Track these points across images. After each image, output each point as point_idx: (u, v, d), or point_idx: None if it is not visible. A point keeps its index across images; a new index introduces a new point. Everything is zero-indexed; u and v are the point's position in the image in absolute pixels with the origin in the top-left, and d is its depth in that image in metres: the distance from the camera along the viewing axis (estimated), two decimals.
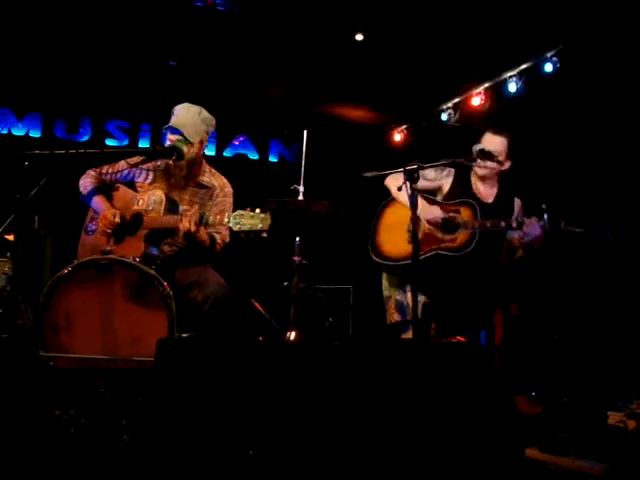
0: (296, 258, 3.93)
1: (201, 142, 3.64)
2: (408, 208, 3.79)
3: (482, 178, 3.82)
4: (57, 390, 2.72)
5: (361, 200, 4.34)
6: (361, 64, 5.88)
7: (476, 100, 5.97)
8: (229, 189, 3.80)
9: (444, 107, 6.47)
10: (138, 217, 3.45)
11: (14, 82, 6.14)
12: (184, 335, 3.22)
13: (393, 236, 3.79)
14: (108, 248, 3.36)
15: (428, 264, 3.56)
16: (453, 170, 3.86)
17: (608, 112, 4.74)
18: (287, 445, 2.08)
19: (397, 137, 7.25)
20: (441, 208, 3.72)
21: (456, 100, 6.33)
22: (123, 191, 3.67)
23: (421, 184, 3.83)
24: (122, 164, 3.66)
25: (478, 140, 3.84)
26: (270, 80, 6.44)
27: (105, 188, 3.70)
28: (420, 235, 3.73)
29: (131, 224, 3.45)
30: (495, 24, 5.02)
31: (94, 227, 3.59)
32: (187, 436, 2.05)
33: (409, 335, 3.67)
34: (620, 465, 2.47)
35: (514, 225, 3.55)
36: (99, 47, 5.75)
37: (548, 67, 5.20)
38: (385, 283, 3.89)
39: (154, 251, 3.44)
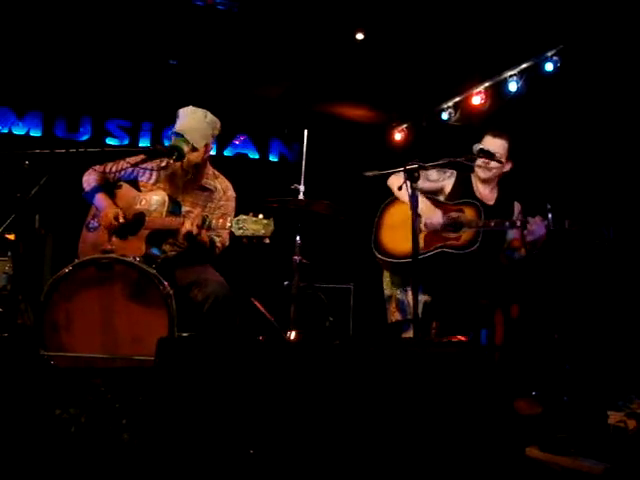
0: (296, 257, 3.93)
1: (206, 146, 3.64)
2: (409, 207, 3.81)
3: (483, 181, 3.84)
4: (57, 389, 2.72)
5: (362, 199, 4.34)
6: (361, 63, 5.88)
7: (476, 99, 5.97)
8: (232, 193, 3.80)
9: (444, 106, 6.47)
10: (140, 217, 3.45)
11: (14, 81, 6.14)
12: (184, 334, 3.22)
13: (396, 234, 3.80)
14: (109, 247, 3.36)
15: (433, 262, 3.58)
16: (455, 171, 3.87)
17: (609, 111, 4.73)
18: (287, 444, 2.08)
19: (398, 136, 7.24)
20: (445, 208, 3.74)
21: (457, 99, 6.33)
22: (126, 190, 3.66)
23: (424, 185, 3.86)
24: (125, 163, 3.66)
25: (479, 141, 3.85)
26: (270, 79, 6.44)
27: (108, 186, 3.69)
28: (425, 232, 3.75)
29: (133, 223, 3.45)
30: (496, 23, 5.02)
31: (96, 224, 3.59)
32: (187, 435, 2.05)
33: (410, 334, 3.68)
34: (620, 465, 2.47)
35: (518, 224, 3.57)
36: (99, 46, 5.75)
37: (549, 66, 5.20)
38: (386, 282, 3.90)
39: (155, 251, 3.44)
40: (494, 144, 3.77)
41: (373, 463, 2.09)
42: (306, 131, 4.14)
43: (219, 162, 4.00)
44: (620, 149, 4.71)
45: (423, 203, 3.81)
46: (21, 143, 6.28)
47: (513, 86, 5.57)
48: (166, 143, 6.55)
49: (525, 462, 2.58)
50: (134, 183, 3.70)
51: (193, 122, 3.56)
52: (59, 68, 6.10)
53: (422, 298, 3.53)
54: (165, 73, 6.24)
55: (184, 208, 3.58)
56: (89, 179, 3.71)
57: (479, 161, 3.76)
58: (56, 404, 2.52)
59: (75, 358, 3.11)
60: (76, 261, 3.26)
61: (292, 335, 3.79)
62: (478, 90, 5.97)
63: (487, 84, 5.90)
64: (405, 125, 7.17)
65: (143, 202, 3.51)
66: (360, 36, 5.45)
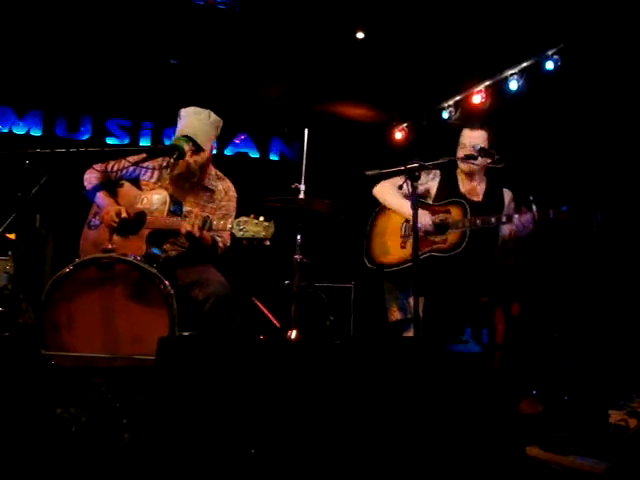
0: (297, 256, 3.93)
1: (211, 147, 3.66)
2: (398, 214, 3.84)
3: (469, 175, 3.82)
4: (58, 388, 2.72)
5: (362, 199, 4.33)
6: (362, 62, 5.88)
7: (477, 98, 5.96)
8: (233, 193, 3.80)
9: (445, 105, 6.46)
10: (141, 216, 3.45)
11: (15, 81, 6.14)
12: (185, 334, 3.22)
13: (386, 243, 3.83)
14: (110, 246, 3.36)
15: (423, 267, 3.56)
16: (438, 172, 3.87)
17: (609, 110, 4.73)
18: (288, 444, 2.08)
19: (398, 135, 7.24)
20: (431, 210, 3.73)
21: (457, 98, 6.32)
22: (128, 188, 3.66)
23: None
24: (126, 161, 3.66)
25: (457, 138, 3.85)
26: (271, 79, 6.44)
27: (110, 184, 3.69)
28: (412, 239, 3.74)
29: (134, 222, 3.45)
30: (496, 22, 5.02)
31: (97, 222, 3.59)
32: (188, 435, 2.05)
33: (410, 334, 3.68)
34: (621, 464, 2.47)
35: (504, 220, 3.55)
36: (100, 45, 5.75)
37: (549, 65, 5.20)
38: (386, 283, 3.90)
39: (156, 251, 3.44)
40: (473, 136, 3.76)
41: (374, 462, 2.09)
42: (306, 130, 4.14)
43: (220, 161, 4.00)
44: (610, 140, 4.70)
45: (409, 207, 3.81)
46: (21, 142, 6.28)
47: (514, 85, 5.57)
48: (167, 143, 6.56)
49: (526, 461, 2.58)
50: (136, 182, 3.69)
51: (198, 123, 3.56)
52: (59, 67, 6.10)
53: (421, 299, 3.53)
54: (166, 72, 6.24)
55: (185, 208, 3.58)
56: (90, 177, 3.70)
57: (461, 154, 3.75)
58: (57, 403, 2.53)
59: (76, 357, 3.11)
60: (77, 261, 3.26)
61: (293, 334, 3.79)
62: (479, 89, 5.96)
63: (487, 83, 5.90)
64: (405, 124, 7.17)
65: (144, 201, 3.50)
66: (360, 35, 5.45)
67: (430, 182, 3.88)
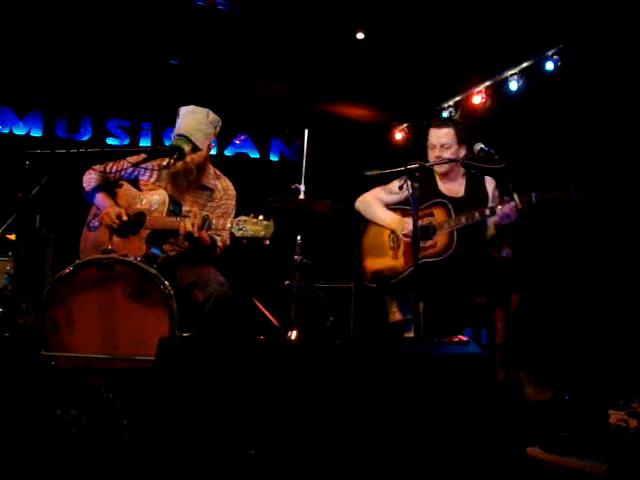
0: (297, 257, 3.93)
1: (209, 145, 3.65)
2: (384, 227, 3.83)
3: (445, 174, 3.80)
4: (58, 389, 2.72)
5: None
6: (362, 62, 5.88)
7: (477, 98, 5.96)
8: (232, 192, 3.79)
9: (445, 105, 6.46)
10: (141, 216, 3.45)
11: (15, 81, 6.14)
12: (185, 334, 3.22)
13: (377, 259, 3.82)
14: (109, 247, 3.36)
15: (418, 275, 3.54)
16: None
17: (609, 110, 4.72)
18: (289, 444, 2.08)
19: (398, 135, 7.24)
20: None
21: (457, 98, 6.32)
22: (127, 189, 3.66)
23: (390, 198, 3.85)
24: (126, 162, 3.66)
25: (426, 138, 3.83)
26: (271, 79, 6.44)
27: (109, 185, 3.69)
28: (402, 248, 3.73)
29: (133, 223, 3.45)
30: (496, 22, 5.02)
31: (96, 223, 3.59)
32: (188, 436, 2.05)
33: (411, 334, 3.67)
34: (621, 464, 2.46)
35: (487, 213, 3.52)
36: (100, 46, 5.75)
37: (549, 65, 5.20)
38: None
39: (156, 251, 3.44)
40: (440, 134, 3.74)
41: (374, 463, 2.09)
42: (307, 130, 4.14)
43: (220, 161, 4.01)
44: (609, 139, 4.69)
45: (392, 217, 3.80)
46: (22, 143, 6.28)
47: (514, 85, 5.57)
48: (167, 143, 6.56)
49: (526, 462, 2.58)
50: (135, 182, 3.70)
51: (196, 123, 3.56)
52: (60, 68, 6.10)
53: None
54: (166, 73, 6.24)
55: (184, 207, 3.58)
56: (89, 179, 3.70)
57: (431, 155, 3.73)
58: (57, 404, 2.52)
59: (76, 358, 3.11)
60: (77, 261, 3.26)
61: (293, 335, 3.79)
62: (479, 89, 5.97)
63: (488, 83, 5.90)
64: (405, 124, 7.16)
65: (144, 201, 3.50)
66: (360, 35, 5.45)
67: (410, 188, 3.86)
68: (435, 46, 5.49)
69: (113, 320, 3.14)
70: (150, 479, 2.04)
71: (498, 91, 5.80)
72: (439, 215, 3.64)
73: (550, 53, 5.19)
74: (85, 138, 6.64)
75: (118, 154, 3.79)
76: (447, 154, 3.69)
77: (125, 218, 3.42)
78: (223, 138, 7.07)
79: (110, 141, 6.69)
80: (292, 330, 3.79)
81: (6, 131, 6.38)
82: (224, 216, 3.54)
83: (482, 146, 3.63)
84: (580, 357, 4.17)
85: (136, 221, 3.45)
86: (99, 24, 5.38)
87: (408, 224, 3.64)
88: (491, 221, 3.66)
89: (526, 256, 4.03)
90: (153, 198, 3.48)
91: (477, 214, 3.52)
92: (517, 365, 3.43)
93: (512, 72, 5.58)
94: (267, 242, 3.18)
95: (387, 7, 5.05)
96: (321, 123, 6.17)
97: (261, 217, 3.19)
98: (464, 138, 3.74)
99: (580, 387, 3.64)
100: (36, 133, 6.49)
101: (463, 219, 3.53)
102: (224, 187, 3.77)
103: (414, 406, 2.17)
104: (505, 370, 3.38)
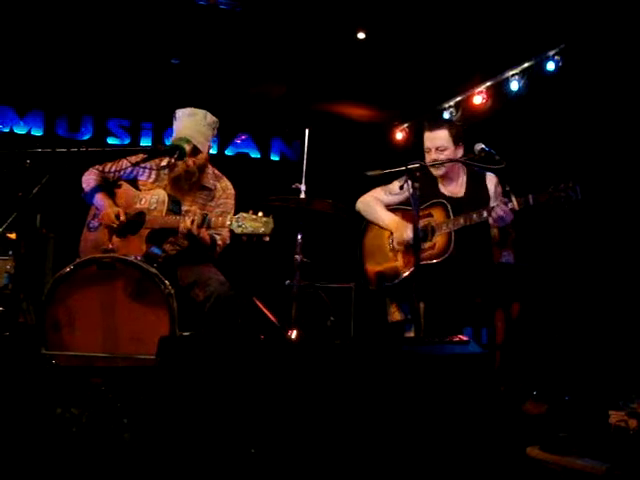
0: (298, 256, 3.93)
1: (209, 147, 3.67)
2: (383, 229, 3.82)
3: (444, 176, 3.77)
4: (59, 388, 2.72)
5: None
6: (363, 62, 5.88)
7: (478, 99, 5.96)
8: (231, 191, 3.80)
9: (446, 106, 6.45)
10: (140, 216, 3.45)
11: (16, 80, 6.14)
12: (186, 334, 3.22)
13: (378, 261, 3.82)
14: (110, 246, 3.36)
15: (417, 277, 3.52)
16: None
17: (610, 110, 4.72)
18: (289, 443, 2.08)
19: (399, 136, 7.24)
20: (413, 217, 3.70)
21: (458, 99, 6.32)
22: (126, 189, 3.67)
23: (390, 199, 3.84)
24: (125, 162, 3.66)
25: (423, 142, 3.80)
26: (272, 79, 6.44)
27: (108, 185, 3.69)
28: (402, 250, 3.72)
29: (133, 223, 3.45)
30: (497, 23, 5.02)
31: (96, 223, 3.60)
32: (189, 434, 2.05)
33: (411, 334, 3.67)
34: (621, 464, 2.46)
35: (484, 214, 3.48)
36: (101, 45, 5.75)
37: (550, 66, 5.20)
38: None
39: (156, 250, 3.44)
40: (435, 137, 3.70)
41: (374, 462, 2.09)
42: (307, 130, 4.14)
43: (220, 161, 4.01)
44: (610, 139, 4.69)
45: (391, 219, 3.79)
46: (22, 142, 6.28)
47: (515, 85, 5.57)
48: (167, 142, 6.56)
49: (526, 462, 2.58)
50: (133, 182, 3.70)
51: (194, 125, 3.57)
52: (61, 67, 6.10)
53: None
54: (167, 72, 6.24)
55: (184, 207, 3.59)
56: (88, 179, 3.71)
57: (428, 159, 3.71)
58: (57, 403, 2.53)
59: (76, 357, 3.12)
60: (77, 260, 3.26)
61: (293, 334, 3.79)
62: (480, 89, 5.96)
63: (488, 83, 5.90)
64: (406, 124, 7.16)
65: (143, 201, 3.51)
66: (361, 35, 5.45)
67: (411, 189, 3.85)
68: (436, 46, 5.49)
69: (113, 319, 3.15)
70: (150, 478, 2.05)
71: (499, 91, 5.80)
72: (437, 216, 3.63)
73: (551, 53, 5.19)
74: (86, 137, 6.64)
75: (119, 154, 3.79)
76: (443, 156, 3.66)
77: (123, 218, 3.43)
78: (224, 138, 7.07)
79: (111, 140, 6.69)
80: (292, 329, 3.79)
81: (7, 130, 6.37)
82: (223, 215, 3.54)
83: (483, 146, 3.62)
84: (580, 357, 4.17)
85: (136, 220, 3.45)
86: (100, 23, 5.38)
87: (406, 229, 3.63)
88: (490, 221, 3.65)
89: (526, 258, 4.03)
90: (152, 198, 3.49)
91: (475, 216, 3.49)
92: (517, 373, 3.43)
93: (513, 72, 5.58)
94: (267, 238, 3.18)
95: (388, 7, 5.05)
96: (322, 123, 6.16)
97: (260, 214, 3.20)
98: (459, 138, 3.71)
99: (580, 387, 3.64)
100: (37, 132, 6.48)
101: (461, 220, 3.51)
102: (223, 187, 3.78)
103: (414, 405, 2.17)
104: (505, 381, 3.38)
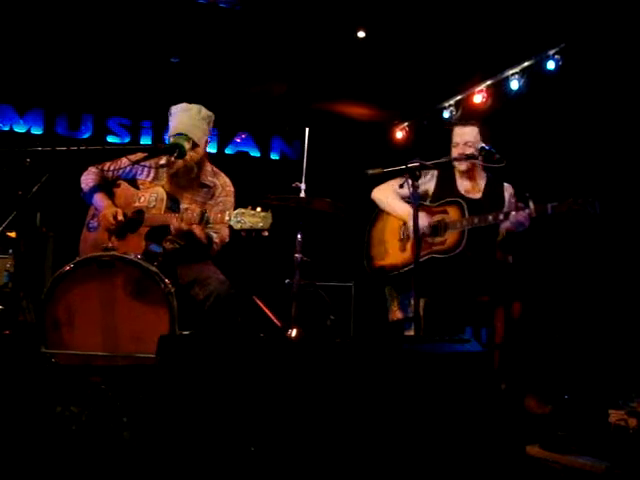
0: (297, 255, 3.92)
1: (206, 141, 3.66)
2: (396, 218, 3.84)
3: (466, 173, 3.80)
4: (58, 387, 2.72)
5: (363, 197, 4.34)
6: (363, 61, 5.88)
7: (478, 98, 5.96)
8: (230, 188, 3.80)
9: (446, 105, 6.46)
10: (139, 214, 3.45)
11: (16, 79, 6.14)
12: (186, 332, 3.22)
13: (385, 248, 3.84)
14: (110, 245, 3.36)
15: (424, 269, 3.54)
16: (436, 172, 3.85)
17: (610, 110, 4.72)
18: (289, 442, 2.08)
19: (399, 135, 7.24)
20: (428, 212, 3.72)
21: (458, 98, 6.32)
22: (125, 188, 3.67)
23: (405, 192, 3.85)
24: (124, 161, 3.66)
25: (450, 137, 3.84)
26: (272, 77, 6.44)
27: (107, 185, 3.70)
28: (412, 241, 3.73)
29: (132, 221, 3.45)
30: (497, 22, 5.02)
31: (95, 224, 3.60)
32: (188, 433, 2.05)
33: (411, 333, 3.68)
34: (621, 463, 2.47)
35: (501, 217, 3.52)
36: (101, 44, 5.74)
37: (550, 65, 5.20)
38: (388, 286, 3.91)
39: (156, 248, 3.44)
40: (465, 132, 3.76)
41: (374, 461, 2.09)
42: (307, 129, 4.14)
43: (220, 160, 4.01)
44: (610, 139, 4.69)
45: (406, 209, 3.80)
46: (22, 141, 6.27)
47: (515, 84, 5.57)
48: (167, 141, 6.55)
49: (526, 460, 2.58)
50: (132, 181, 3.70)
51: (190, 120, 3.57)
52: (60, 66, 6.09)
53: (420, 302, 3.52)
54: (167, 71, 6.23)
55: (183, 205, 3.59)
56: (87, 179, 3.71)
57: (455, 153, 3.74)
58: (57, 401, 2.53)
59: (76, 356, 3.11)
60: (77, 259, 3.26)
61: (293, 333, 3.79)
62: (480, 88, 5.96)
63: (489, 82, 5.89)
64: (406, 123, 7.16)
65: (142, 199, 3.51)
66: (362, 34, 5.45)
67: (428, 183, 3.87)
68: (436, 45, 5.49)
69: (113, 318, 3.15)
70: (150, 476, 2.05)
71: (499, 90, 5.80)
72: (453, 214, 3.66)
73: (551, 52, 5.19)
74: (86, 136, 6.63)
75: (118, 152, 3.79)
76: (470, 151, 3.69)
77: (121, 218, 3.43)
78: (224, 136, 7.07)
79: (111, 139, 6.68)
80: (292, 328, 3.79)
81: (6, 129, 6.36)
82: (222, 212, 3.54)
83: (483, 145, 3.64)
84: (580, 357, 4.17)
85: (135, 219, 3.45)
86: (100, 22, 5.38)
87: (422, 219, 3.66)
88: (503, 226, 3.67)
89: (527, 260, 4.03)
90: (151, 196, 3.49)
91: (490, 217, 3.54)
92: (518, 372, 3.43)
93: (513, 71, 5.58)
94: (266, 233, 3.18)
95: (388, 6, 5.05)
96: (322, 122, 6.17)
97: (259, 209, 3.20)
98: (487, 138, 3.76)
99: (580, 386, 3.65)
100: (36, 131, 6.47)
101: (476, 220, 3.54)
102: (222, 184, 3.78)
103: (414, 404, 2.17)
104: (506, 381, 3.38)
